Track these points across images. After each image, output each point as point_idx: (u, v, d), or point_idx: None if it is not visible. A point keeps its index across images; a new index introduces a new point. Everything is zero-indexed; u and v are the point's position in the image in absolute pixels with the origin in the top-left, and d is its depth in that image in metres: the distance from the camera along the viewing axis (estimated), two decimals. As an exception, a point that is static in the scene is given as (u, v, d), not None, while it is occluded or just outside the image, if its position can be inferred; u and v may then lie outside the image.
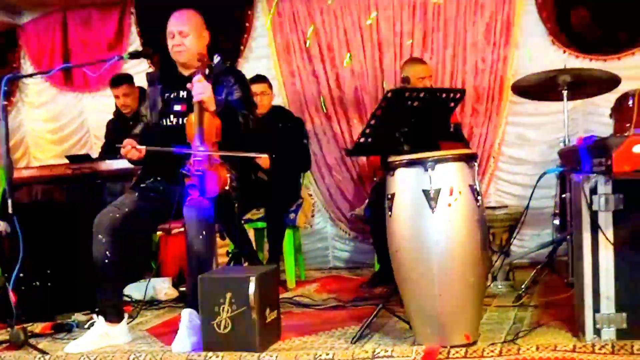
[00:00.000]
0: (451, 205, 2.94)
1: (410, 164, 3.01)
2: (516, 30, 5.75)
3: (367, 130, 3.20)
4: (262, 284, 3.28)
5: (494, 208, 4.67)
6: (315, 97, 6.17)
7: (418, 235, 2.99)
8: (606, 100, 5.09)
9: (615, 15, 5.51)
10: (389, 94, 3.12)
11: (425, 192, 2.95)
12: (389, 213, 3.08)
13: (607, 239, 2.81)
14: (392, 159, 3.07)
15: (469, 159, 3.04)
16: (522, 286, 4.08)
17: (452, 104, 3.39)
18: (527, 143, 5.81)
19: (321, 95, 6.16)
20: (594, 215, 2.84)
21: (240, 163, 3.86)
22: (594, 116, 5.54)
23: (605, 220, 2.84)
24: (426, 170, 2.95)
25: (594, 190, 2.84)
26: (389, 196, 3.08)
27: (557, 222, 4.37)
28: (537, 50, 5.72)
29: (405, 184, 3.02)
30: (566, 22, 5.63)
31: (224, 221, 3.94)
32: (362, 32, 6.02)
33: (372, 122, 3.18)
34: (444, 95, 3.33)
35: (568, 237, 4.04)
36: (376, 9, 5.99)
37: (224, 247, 5.21)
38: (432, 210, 2.93)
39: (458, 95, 3.35)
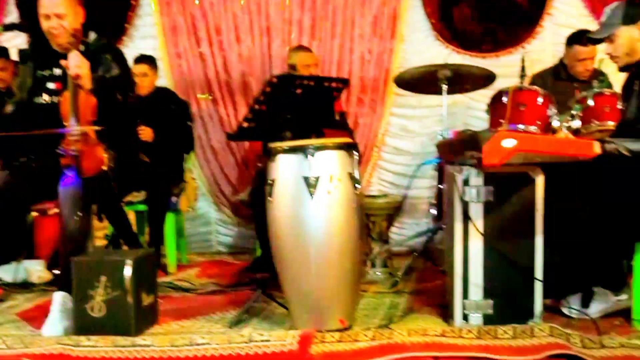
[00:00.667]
0: (330, 192, 2.98)
1: (291, 150, 3.03)
2: (402, 24, 5.86)
3: (250, 115, 3.20)
4: (139, 267, 3.21)
5: (374, 197, 4.77)
6: (202, 79, 6.07)
7: (297, 221, 3.01)
8: (485, 96, 5.31)
9: (496, 15, 5.75)
10: (273, 80, 3.12)
11: (306, 179, 2.97)
12: (270, 199, 3.09)
13: (477, 229, 2.92)
14: (273, 145, 3.08)
15: (349, 148, 3.08)
16: (399, 273, 4.19)
17: (335, 93, 3.43)
18: (409, 134, 5.94)
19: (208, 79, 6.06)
20: (465, 206, 2.95)
21: (119, 143, 3.75)
22: (474, 111, 5.71)
23: (476, 211, 2.96)
24: (307, 157, 2.97)
25: (466, 182, 2.95)
26: (270, 182, 3.09)
27: (434, 211, 4.51)
28: (422, 45, 5.86)
29: (286, 170, 3.04)
30: (449, 19, 5.80)
31: (102, 202, 3.83)
32: (251, 16, 5.96)
33: (255, 107, 3.18)
34: (327, 83, 3.36)
35: (443, 226, 4.17)
36: (266, -6, 5.94)
37: (102, 230, 5.07)
38: (312, 197, 2.96)
39: (341, 85, 3.39)
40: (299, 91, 3.25)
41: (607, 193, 3.02)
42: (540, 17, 5.69)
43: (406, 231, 5.75)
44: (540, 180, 2.94)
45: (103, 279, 3.16)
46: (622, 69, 3.29)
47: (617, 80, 4.21)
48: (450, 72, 4.23)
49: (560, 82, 4.74)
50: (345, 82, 3.42)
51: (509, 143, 2.64)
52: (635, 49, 3.19)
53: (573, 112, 3.73)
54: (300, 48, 5.23)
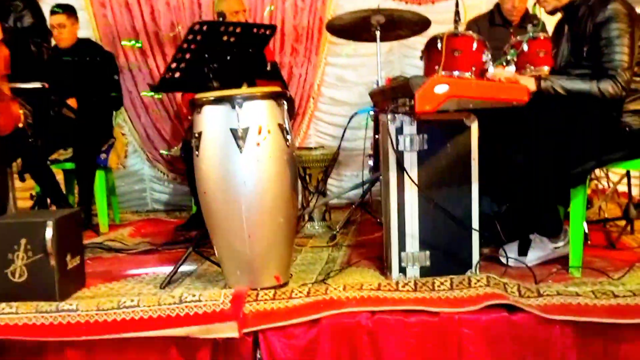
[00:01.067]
0: (260, 144, 2.85)
1: (218, 101, 2.87)
2: (335, -30, 5.70)
3: (173, 65, 3.02)
4: (62, 228, 3.04)
5: (309, 149, 4.66)
6: (129, 30, 5.80)
7: (226, 176, 2.88)
8: (421, 44, 5.21)
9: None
10: (196, 27, 2.95)
11: (233, 131, 2.83)
12: (196, 153, 2.94)
13: (411, 180, 2.84)
14: (199, 95, 2.92)
15: (278, 97, 2.94)
16: (337, 226, 4.12)
17: (264, 39, 3.27)
18: (346, 84, 5.83)
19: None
20: (399, 156, 2.86)
21: (39, 97, 3.54)
22: (410, 59, 5.64)
23: (411, 160, 2.88)
24: (234, 107, 2.82)
25: (399, 131, 2.86)
26: (196, 135, 2.93)
27: (371, 162, 4.42)
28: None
29: (213, 122, 2.89)
30: (383, -37, 5.65)
31: (23, 161, 3.62)
32: (179, -38, 5.71)
33: (178, 55, 3.00)
34: (254, 30, 3.20)
35: (380, 177, 4.09)
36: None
37: (27, 190, 4.87)
38: (240, 150, 2.83)
39: (269, 32, 3.23)
40: (224, 38, 3.07)
41: (540, 135, 2.98)
42: (475, -39, 5.56)
43: (344, 183, 5.69)
44: (474, 127, 2.87)
45: (23, 241, 2.99)
46: (550, 12, 3.22)
47: (552, 24, 4.16)
48: (383, 18, 4.09)
49: (496, 27, 4.66)
50: (272, 29, 3.25)
51: (441, 89, 2.55)
52: None
53: (508, 57, 3.68)
54: None
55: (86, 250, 4.06)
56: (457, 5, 3.89)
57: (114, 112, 5.30)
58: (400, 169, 2.86)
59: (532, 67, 3.70)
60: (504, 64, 3.68)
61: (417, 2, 5.61)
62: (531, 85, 2.88)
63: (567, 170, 2.92)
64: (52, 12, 4.79)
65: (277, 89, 2.98)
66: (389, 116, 2.85)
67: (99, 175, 4.91)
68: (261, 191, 2.88)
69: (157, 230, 4.92)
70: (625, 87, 2.88)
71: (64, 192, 5.02)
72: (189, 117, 5.06)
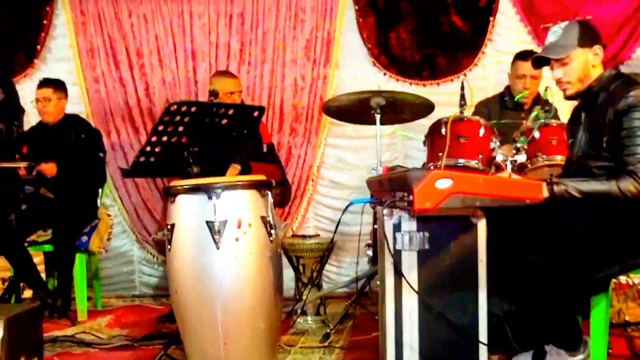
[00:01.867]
0: (239, 239, 2.54)
1: (193, 190, 2.58)
2: (336, 49, 5.51)
3: (148, 148, 2.74)
4: (15, 327, 2.69)
5: (303, 237, 4.34)
6: (122, 106, 5.59)
7: (201, 274, 2.57)
8: (425, 126, 4.98)
9: (435, 40, 5.42)
10: (172, 107, 2.67)
11: (210, 224, 2.52)
12: (169, 247, 2.63)
13: (409, 285, 2.49)
14: (173, 183, 2.62)
15: (262, 187, 2.65)
16: (331, 325, 3.75)
17: (253, 122, 3.00)
18: (347, 167, 5.56)
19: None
20: (397, 256, 2.52)
21: (10, 176, 3.26)
22: (414, 141, 5.37)
23: (409, 261, 2.52)
24: (210, 198, 2.53)
25: (397, 227, 2.52)
26: (169, 227, 2.63)
27: (370, 252, 4.09)
28: (359, 71, 5.52)
29: (187, 213, 2.60)
30: (386, 44, 5.46)
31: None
32: (174, 39, 5.55)
33: (154, 138, 2.72)
34: (240, 112, 2.93)
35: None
36: (190, 16, 5.52)
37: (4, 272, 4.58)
38: (217, 245, 2.52)
39: (256, 113, 2.96)
40: (206, 120, 2.80)
41: (557, 235, 2.64)
42: (482, 43, 5.38)
43: (343, 270, 5.37)
44: (482, 225, 2.53)
45: (-30, 345, 2.64)
46: (570, 97, 2.92)
47: (563, 110, 3.91)
48: (384, 100, 3.82)
49: (507, 110, 4.38)
50: (261, 110, 2.98)
51: (443, 184, 2.23)
52: (589, 75, 2.82)
53: (518, 144, 3.40)
54: (223, 73, 4.79)
55: (56, 344, 3.77)
56: (462, 88, 3.65)
57: (100, 191, 5.00)
58: (398, 271, 2.51)
59: (544, 156, 3.43)
60: (514, 152, 3.41)
61: (421, 83, 5.40)
62: (543, 191, 2.53)
63: (587, 276, 2.57)
64: (39, 85, 4.59)
65: (260, 177, 2.69)
66: (386, 211, 2.53)
67: (79, 259, 4.61)
68: (240, 292, 2.56)
69: (139, 320, 4.57)
70: None
71: (44, 276, 4.72)
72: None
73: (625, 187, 2.55)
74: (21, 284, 4.42)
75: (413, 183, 2.21)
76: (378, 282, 2.93)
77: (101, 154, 4.84)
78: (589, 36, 2.81)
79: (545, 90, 3.50)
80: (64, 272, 4.56)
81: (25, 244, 4.48)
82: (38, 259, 4.76)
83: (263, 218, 2.60)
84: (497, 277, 2.67)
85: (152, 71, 5.58)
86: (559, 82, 2.88)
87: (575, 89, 2.84)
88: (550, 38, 2.88)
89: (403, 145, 5.46)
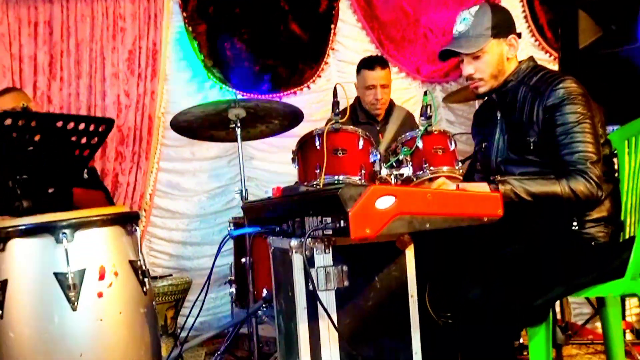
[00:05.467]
0: (103, 294, 1.88)
1: (33, 231, 1.89)
2: (164, 61, 4.89)
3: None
4: None
5: (153, 279, 3.66)
6: None
7: (50, 347, 1.87)
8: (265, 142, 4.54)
9: (274, 50, 4.96)
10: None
11: (60, 277, 1.85)
12: None
13: (332, 325, 1.95)
14: (1, 224, 1.91)
15: (127, 221, 2.00)
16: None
17: (96, 139, 2.34)
18: (184, 193, 4.93)
19: None
20: (311, 297, 1.98)
21: None
22: (256, 161, 4.90)
23: (327, 302, 2.00)
24: (59, 241, 1.85)
25: (310, 262, 1.99)
26: (-1, 285, 1.91)
27: (233, 290, 3.50)
28: (190, 86, 4.94)
29: (26, 264, 1.90)
30: (221, 54, 4.92)
31: None
32: (-35, 52, 4.63)
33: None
34: (82, 126, 2.26)
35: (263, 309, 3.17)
36: (-15, 25, 4.65)
37: None
38: (73, 306, 1.84)
39: (103, 127, 2.31)
40: (37, 138, 2.11)
41: (494, 260, 2.27)
42: (325, 53, 5.02)
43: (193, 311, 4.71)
44: (410, 253, 2.07)
45: None
46: (483, 95, 2.56)
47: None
48: (244, 111, 3.28)
49: (360, 125, 3.94)
50: (109, 123, 2.33)
51: (385, 203, 1.73)
52: (503, 69, 2.47)
53: (400, 156, 3.04)
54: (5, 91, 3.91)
55: None
56: (335, 94, 3.21)
57: None
58: (313, 314, 1.97)
59: (431, 168, 3.08)
60: (395, 165, 3.03)
61: (264, 97, 4.89)
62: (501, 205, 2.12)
63: (527, 303, 2.18)
64: None
65: (123, 209, 2.05)
66: (294, 242, 1.99)
67: None
68: (107, 367, 1.88)
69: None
70: (599, 184, 2.24)
71: None
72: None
73: (577, 187, 2.22)
74: None
75: (348, 205, 1.69)
76: (277, 331, 2.36)
77: None
78: (502, 24, 2.47)
79: (425, 94, 3.16)
80: None
81: None
82: None
83: (132, 263, 1.98)
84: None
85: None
86: (469, 78, 2.51)
87: (489, 85, 2.49)
88: (459, 27, 2.50)
89: (247, 165, 4.91)
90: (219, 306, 4.73)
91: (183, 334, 3.54)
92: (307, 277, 1.97)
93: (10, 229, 1.91)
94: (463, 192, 1.99)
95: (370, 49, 5.07)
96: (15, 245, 1.91)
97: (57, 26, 4.75)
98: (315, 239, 1.98)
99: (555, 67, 4.75)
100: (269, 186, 3.79)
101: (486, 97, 2.59)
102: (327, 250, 1.99)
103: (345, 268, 2.02)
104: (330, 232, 1.82)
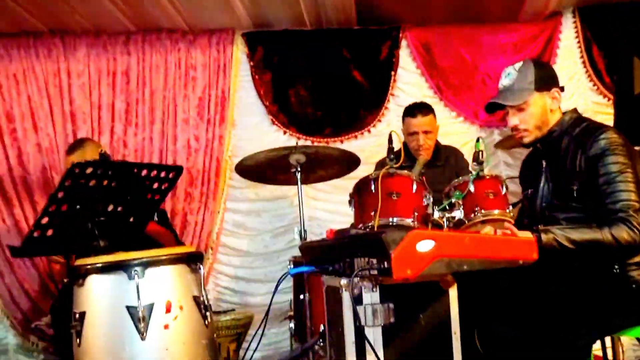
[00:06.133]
0: (169, 327, 2.08)
1: (108, 268, 2.11)
2: (232, 107, 5.19)
3: (44, 220, 2.24)
4: None
5: (217, 313, 3.87)
6: (-8, 176, 4.95)
7: (121, 373, 2.07)
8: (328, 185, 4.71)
9: (336, 97, 5.19)
10: (76, 169, 2.20)
11: (131, 310, 2.05)
12: (77, 340, 2.13)
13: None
14: (80, 261, 2.14)
15: (192, 260, 2.21)
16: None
17: (166, 185, 2.56)
18: (249, 232, 5.17)
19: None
20: (360, 332, 2.14)
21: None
22: (319, 202, 5.12)
23: (374, 338, 2.15)
24: (131, 277, 2.06)
25: (358, 300, 2.15)
26: (77, 316, 2.13)
27: (292, 325, 3.67)
28: (256, 130, 5.21)
29: (101, 298, 2.13)
30: (285, 101, 5.17)
31: None
32: (50, 100, 5.00)
33: (52, 208, 2.22)
34: (154, 173, 2.49)
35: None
36: (68, 75, 5.00)
37: None
38: (142, 336, 2.04)
39: (172, 174, 2.53)
40: (113, 184, 2.35)
41: (532, 303, 2.38)
42: (385, 99, 5.23)
43: (252, 344, 4.88)
44: (454, 293, 2.21)
45: None
46: (528, 145, 2.70)
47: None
48: (304, 157, 3.48)
49: (404, 168, 4.11)
50: (178, 170, 2.56)
51: (425, 246, 1.89)
52: (547, 120, 2.62)
53: (452, 199, 3.17)
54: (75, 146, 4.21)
55: None
56: (390, 140, 3.37)
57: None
58: (361, 350, 2.12)
59: (483, 211, 3.20)
60: (447, 208, 3.16)
61: (324, 141, 5.13)
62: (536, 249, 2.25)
63: (568, 344, 2.28)
64: None
65: (189, 248, 2.25)
66: (344, 281, 2.16)
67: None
68: (172, 393, 2.08)
69: None
70: None
71: None
72: (64, 279, 4.20)
73: (619, 234, 2.33)
74: None
75: (391, 247, 1.85)
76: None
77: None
78: (545, 79, 2.61)
79: (477, 141, 3.28)
80: None
81: None
82: None
83: (196, 298, 2.18)
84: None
85: (25, 136, 4.98)
86: (515, 129, 2.65)
87: (534, 136, 2.63)
88: (504, 81, 2.66)
89: (307, 206, 5.11)
90: (280, 341, 4.92)
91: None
92: (356, 314, 2.13)
93: (88, 266, 2.14)
94: (500, 237, 2.13)
95: (429, 94, 5.25)
96: (93, 281, 2.13)
97: (133, 76, 5.10)
98: (363, 278, 2.14)
99: (611, 110, 4.84)
100: (329, 226, 4.01)
101: (531, 147, 2.72)
102: (374, 289, 2.15)
103: (391, 306, 2.17)
104: (375, 272, 1.98)
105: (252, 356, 2.73)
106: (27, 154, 4.99)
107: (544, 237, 2.29)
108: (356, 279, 2.10)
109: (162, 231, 3.73)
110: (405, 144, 4.34)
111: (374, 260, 1.96)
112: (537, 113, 2.60)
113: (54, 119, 5.02)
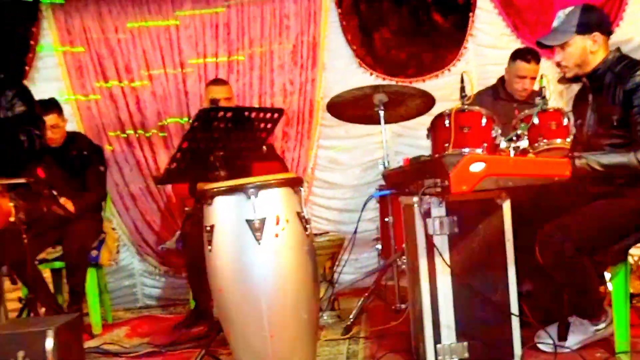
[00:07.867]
0: (278, 235, 2.65)
1: (230, 191, 2.68)
2: (322, 52, 5.65)
3: (178, 155, 2.84)
4: (62, 336, 2.78)
5: (315, 235, 4.44)
6: (114, 121, 5.64)
7: (243, 271, 2.66)
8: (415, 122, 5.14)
9: (418, 38, 5.59)
10: (202, 114, 2.78)
11: (249, 222, 2.63)
12: (209, 247, 2.73)
13: (445, 262, 2.64)
14: (209, 186, 2.73)
15: (295, 184, 2.77)
16: (350, 317, 3.87)
17: (270, 125, 3.12)
18: (340, 167, 5.69)
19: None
20: (429, 240, 2.67)
21: (28, 191, 3.31)
22: (404, 138, 5.54)
23: (441, 244, 2.68)
24: (249, 197, 2.64)
25: (427, 214, 2.67)
26: (208, 228, 2.72)
27: (379, 247, 4.22)
28: (345, 73, 5.65)
29: (226, 214, 2.69)
30: (371, 44, 5.62)
31: (13, 260, 3.37)
32: (162, 52, 5.61)
33: (184, 145, 2.82)
34: (261, 115, 3.05)
35: (398, 261, 3.87)
36: (176, 29, 5.60)
37: (15, 292, 4.57)
38: (258, 242, 2.62)
39: (276, 115, 3.08)
40: (230, 125, 2.92)
41: (577, 211, 2.82)
42: (464, 39, 5.57)
43: (347, 268, 5.45)
44: (507, 206, 2.70)
45: (20, 354, 2.71)
46: (568, 80, 3.12)
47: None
48: (386, 96, 3.96)
49: (500, 101, 4.57)
50: (280, 112, 3.11)
51: (477, 167, 2.38)
52: (587, 61, 3.01)
53: (518, 131, 3.55)
54: (216, 81, 4.86)
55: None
56: (462, 80, 3.78)
57: (103, 205, 5.06)
58: (432, 253, 2.66)
59: (545, 141, 3.59)
60: (514, 138, 3.56)
61: (408, 81, 5.54)
62: (569, 168, 2.70)
63: (607, 246, 2.74)
64: (44, 112, 4.60)
65: (292, 175, 2.81)
66: (415, 199, 2.68)
67: (91, 274, 4.64)
68: (283, 286, 2.66)
69: (155, 329, 4.62)
70: None
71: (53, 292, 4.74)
72: (186, 209, 4.88)
73: None
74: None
75: (449, 168, 2.36)
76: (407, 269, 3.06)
77: (102, 168, 4.90)
78: (588, 23, 2.98)
79: (541, 78, 3.66)
80: (77, 289, 4.58)
81: (36, 262, 4.51)
82: (46, 275, 4.79)
83: (298, 214, 2.72)
84: (519, 256, 2.82)
85: (142, 85, 5.64)
86: (558, 64, 3.07)
87: (573, 72, 3.03)
88: (555, 22, 3.06)
89: (393, 141, 5.59)
90: (370, 265, 5.42)
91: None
92: (425, 225, 2.66)
93: (215, 189, 2.72)
94: (537, 159, 2.59)
95: (506, 33, 5.55)
96: (219, 200, 2.70)
97: (233, 27, 5.63)
98: (431, 195, 2.65)
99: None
100: (413, 158, 4.48)
101: (580, 82, 3.12)
102: (441, 205, 2.66)
103: (455, 218, 2.68)
104: (439, 189, 2.49)
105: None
106: (144, 101, 5.63)
107: (577, 162, 2.71)
108: (425, 197, 2.63)
109: (269, 165, 4.28)
110: (502, 79, 4.73)
111: (438, 180, 2.47)
112: (576, 53, 2.99)
113: (165, 69, 5.64)
